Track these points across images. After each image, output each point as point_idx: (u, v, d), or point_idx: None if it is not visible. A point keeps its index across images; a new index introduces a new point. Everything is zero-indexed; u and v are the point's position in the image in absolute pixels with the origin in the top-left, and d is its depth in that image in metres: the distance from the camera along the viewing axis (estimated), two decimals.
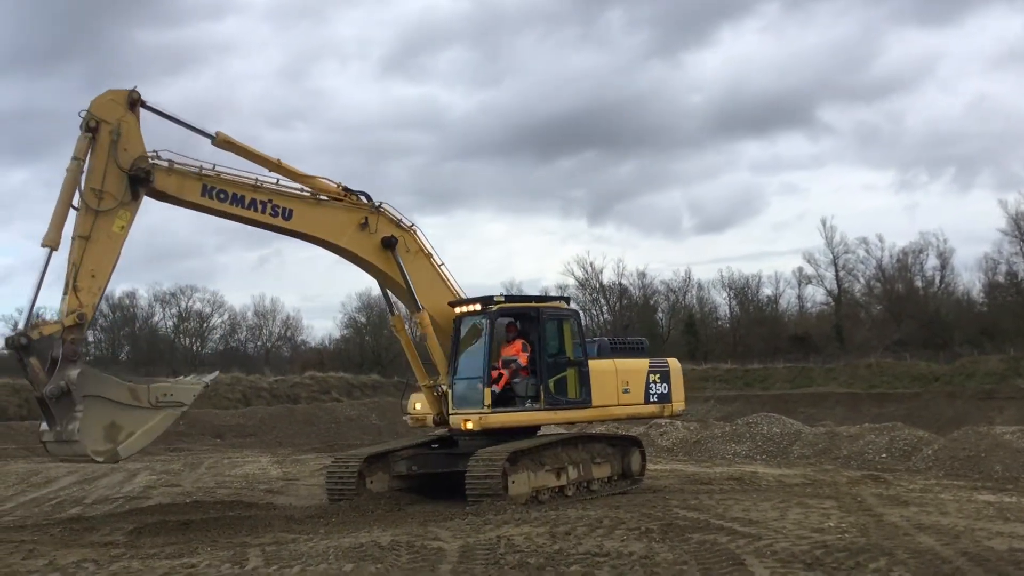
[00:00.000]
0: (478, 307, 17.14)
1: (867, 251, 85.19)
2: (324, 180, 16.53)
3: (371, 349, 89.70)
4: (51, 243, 13.58)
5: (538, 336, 17.06)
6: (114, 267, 14.13)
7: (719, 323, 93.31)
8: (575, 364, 17.41)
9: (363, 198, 16.85)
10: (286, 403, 62.01)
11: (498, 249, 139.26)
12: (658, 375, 18.68)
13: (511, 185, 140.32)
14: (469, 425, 16.30)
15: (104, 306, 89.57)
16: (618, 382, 18.01)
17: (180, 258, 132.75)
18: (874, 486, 18.71)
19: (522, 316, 17.36)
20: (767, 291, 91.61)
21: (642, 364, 18.69)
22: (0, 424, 47.84)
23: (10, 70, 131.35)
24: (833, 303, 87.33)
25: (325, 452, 34.99)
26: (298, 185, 16.17)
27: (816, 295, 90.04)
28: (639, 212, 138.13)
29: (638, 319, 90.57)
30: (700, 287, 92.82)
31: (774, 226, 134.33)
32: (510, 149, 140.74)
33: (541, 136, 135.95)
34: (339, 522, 14.65)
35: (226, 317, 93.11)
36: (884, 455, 25.15)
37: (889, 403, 56.98)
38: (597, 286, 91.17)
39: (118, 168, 14.14)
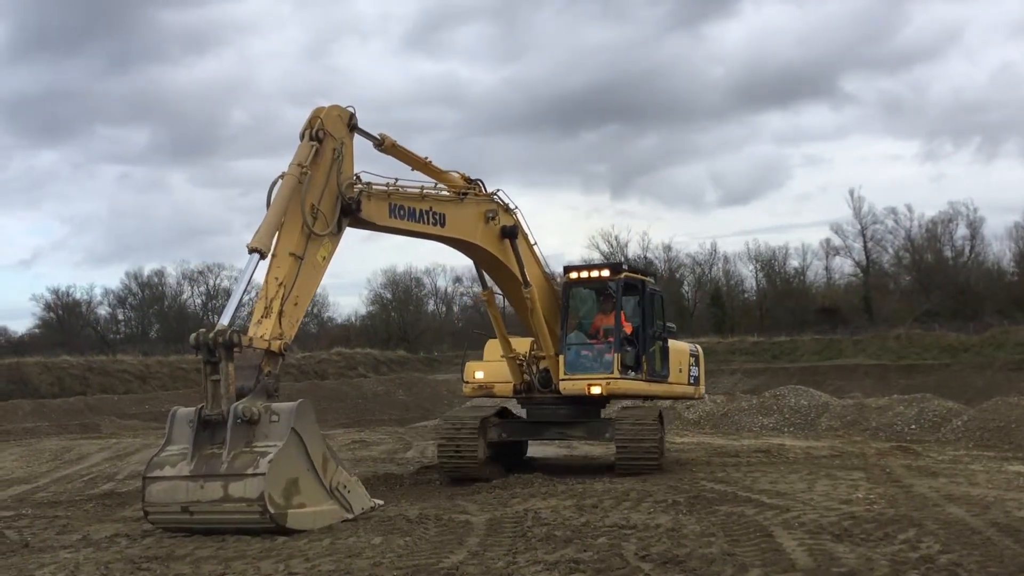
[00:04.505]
0: (607, 273, 17.38)
1: (896, 221, 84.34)
2: (453, 174, 15.81)
3: (397, 325, 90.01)
4: (264, 248, 12.00)
5: (643, 309, 17.41)
6: (310, 301, 12.70)
7: (745, 296, 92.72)
8: (661, 339, 17.82)
9: (482, 186, 16.09)
10: (313, 379, 62.57)
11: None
12: (694, 358, 19.23)
13: (533, 160, 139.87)
14: (596, 390, 16.41)
15: (133, 284, 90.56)
16: (678, 361, 18.43)
17: (208, 236, 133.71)
18: (903, 457, 18.62)
19: (631, 287, 17.49)
20: (794, 263, 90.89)
21: (685, 347, 19.23)
22: (33, 402, 48.52)
23: (35, 51, 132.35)
24: (861, 274, 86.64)
25: (353, 427, 35.20)
26: (438, 184, 15.33)
27: (844, 266, 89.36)
28: (662, 185, 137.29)
29: (664, 292, 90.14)
30: (726, 260, 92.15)
31: (798, 198, 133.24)
32: (532, 124, 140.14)
33: (563, 111, 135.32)
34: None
35: (253, 295, 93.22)
36: (913, 426, 25.01)
37: (918, 374, 56.56)
38: (622, 260, 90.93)
39: (336, 190, 12.97)
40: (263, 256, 12.05)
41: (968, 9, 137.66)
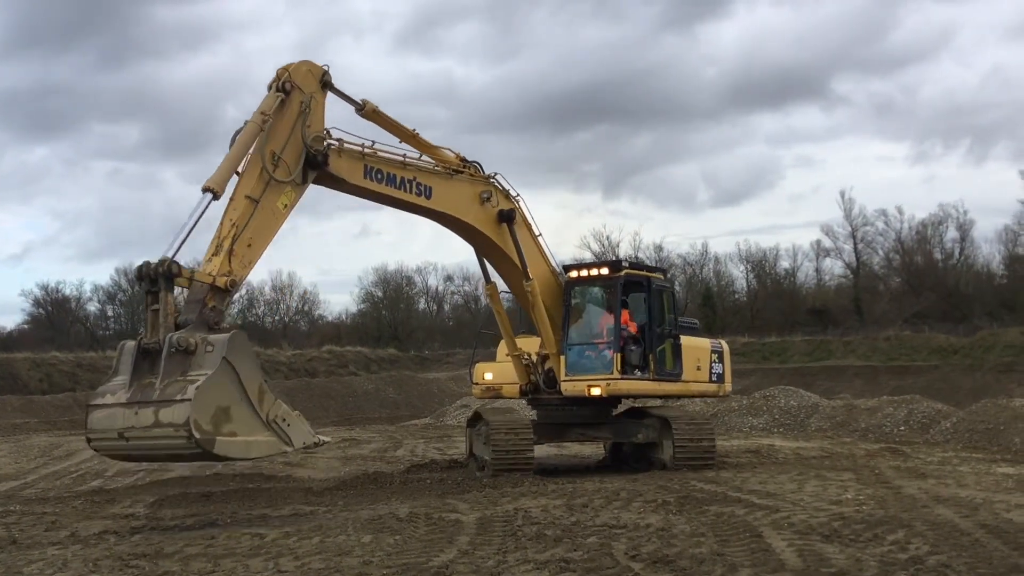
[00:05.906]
0: (606, 271, 17.10)
1: (886, 223, 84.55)
2: (445, 151, 15.84)
3: (388, 323, 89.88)
4: (217, 188, 12.13)
5: (649, 307, 17.03)
6: (267, 246, 12.98)
7: (736, 296, 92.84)
8: (673, 337, 17.36)
9: (479, 168, 16.12)
10: (304, 377, 62.38)
11: None
12: (716, 355, 18.64)
13: (526, 159, 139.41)
14: (596, 391, 16.14)
15: (123, 280, 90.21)
16: (696, 359, 17.95)
17: (198, 231, 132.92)
18: (892, 458, 18.66)
19: (635, 284, 17.18)
20: (785, 264, 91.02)
21: (706, 343, 18.70)
22: (22, 398, 48.39)
23: (28, 46, 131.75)
24: (852, 276, 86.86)
25: (343, 425, 35.17)
26: (429, 159, 15.44)
27: (834, 268, 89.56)
28: (654, 185, 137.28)
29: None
30: (717, 260, 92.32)
31: (790, 199, 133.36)
32: (525, 123, 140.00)
33: (556, 110, 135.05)
34: (357, 494, 14.76)
35: (244, 291, 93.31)
36: (902, 428, 25.07)
37: (908, 376, 56.74)
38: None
39: (301, 141, 13.22)
40: (216, 197, 12.22)
41: (959, 11, 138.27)
